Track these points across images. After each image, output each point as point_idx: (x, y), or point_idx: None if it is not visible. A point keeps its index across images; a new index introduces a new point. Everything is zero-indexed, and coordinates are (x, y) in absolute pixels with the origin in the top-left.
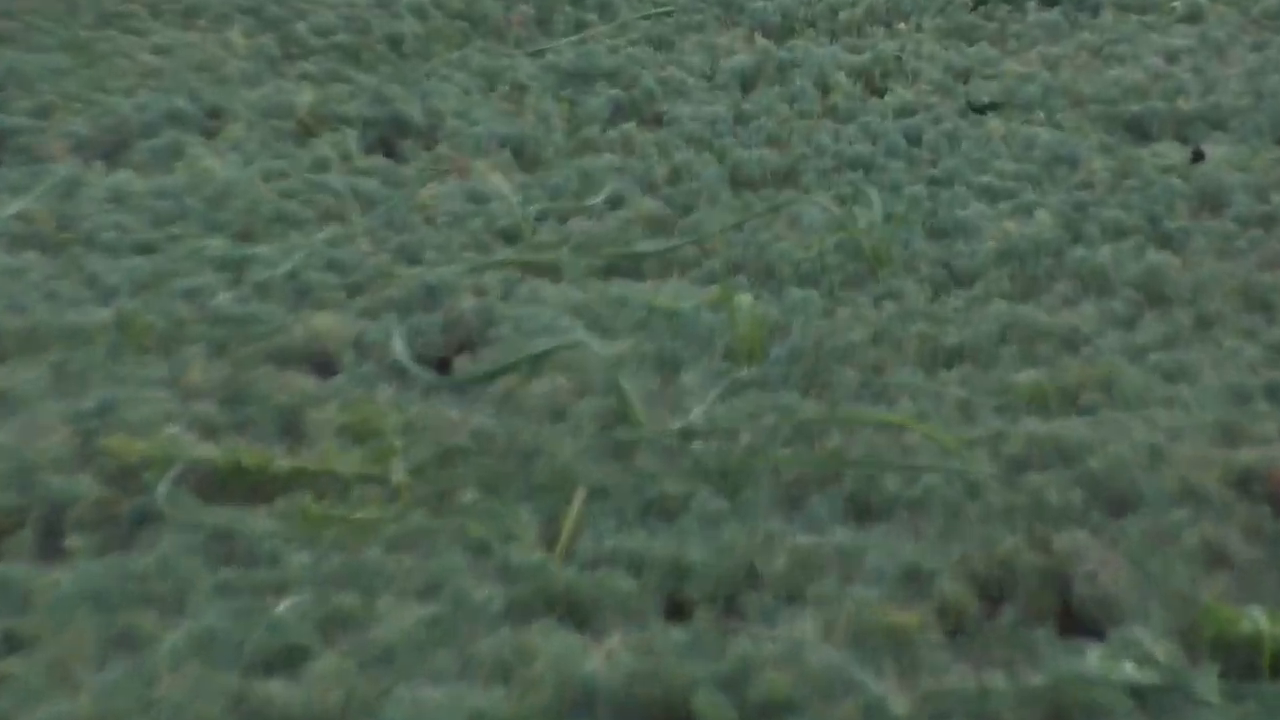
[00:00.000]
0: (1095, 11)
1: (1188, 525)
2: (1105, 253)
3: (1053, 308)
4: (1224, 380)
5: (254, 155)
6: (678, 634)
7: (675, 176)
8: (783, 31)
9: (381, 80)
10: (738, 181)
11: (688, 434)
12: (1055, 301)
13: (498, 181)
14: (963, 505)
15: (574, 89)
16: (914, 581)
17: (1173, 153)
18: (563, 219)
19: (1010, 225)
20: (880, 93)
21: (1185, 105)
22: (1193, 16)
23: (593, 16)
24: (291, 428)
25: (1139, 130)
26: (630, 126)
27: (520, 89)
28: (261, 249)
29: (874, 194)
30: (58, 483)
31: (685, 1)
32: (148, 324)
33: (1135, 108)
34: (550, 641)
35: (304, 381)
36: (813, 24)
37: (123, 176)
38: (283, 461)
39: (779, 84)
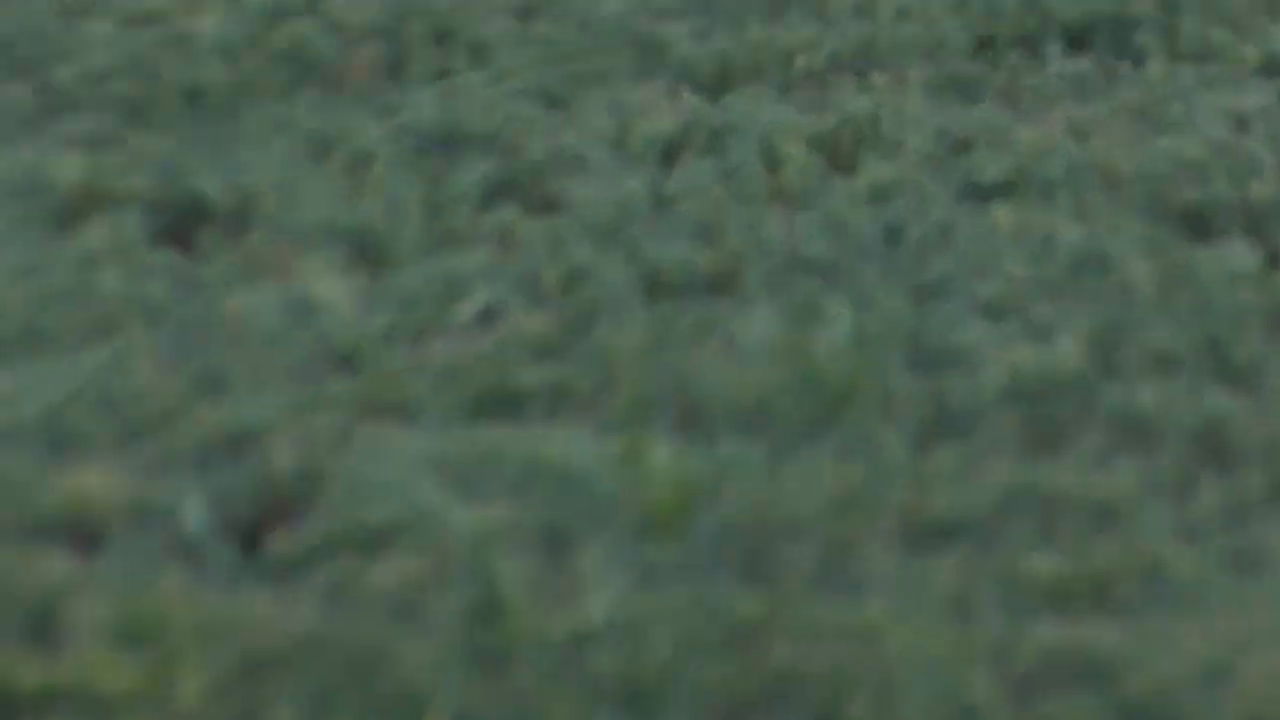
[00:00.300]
0: (1140, 60)
1: None
2: (1149, 392)
3: (1079, 467)
4: None
5: (4, 244)
6: None
7: (571, 281)
8: (718, 84)
9: (174, 145)
10: (654, 288)
11: (583, 638)
12: (1082, 458)
13: (330, 286)
14: None
15: (436, 159)
16: None
17: (1242, 254)
18: (417, 338)
19: (1023, 353)
20: (848, 168)
21: (1260, 189)
22: (1270, 68)
23: (461, 60)
24: (43, 625)
25: (1197, 223)
26: (511, 212)
27: (363, 158)
28: (5, 378)
29: (839, 307)
30: None
31: (585, 42)
32: None
33: (1192, 193)
34: None
35: (61, 561)
36: (759, 73)
37: None
38: (31, 673)
39: (712, 155)
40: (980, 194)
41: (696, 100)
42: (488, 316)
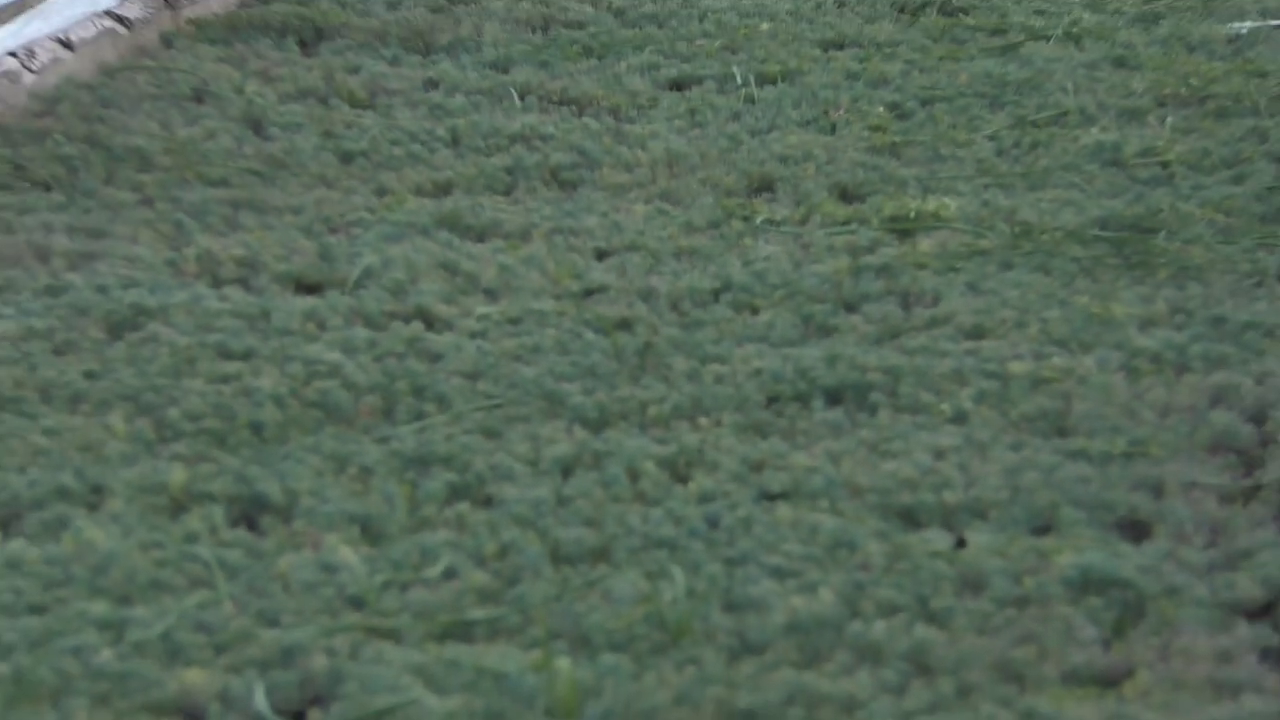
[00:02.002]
0: (873, 411)
1: None
2: (879, 627)
3: (833, 675)
4: None
5: (132, 527)
6: None
7: (502, 553)
8: (598, 424)
9: (244, 461)
10: (558, 558)
11: None
12: (835, 670)
13: (346, 554)
14: None
15: (415, 472)
16: None
17: (939, 540)
18: (403, 588)
19: (797, 601)
20: (684, 480)
21: (951, 498)
22: (959, 418)
23: (431, 407)
24: None
25: (910, 519)
26: (464, 507)
27: (367, 471)
28: (138, 611)
29: (677, 571)
30: None
31: (512, 396)
32: (39, 678)
33: (907, 499)
34: None
35: None
36: (625, 417)
37: (16, 545)
38: None
39: (595, 470)
40: (771, 497)
41: (585, 434)
42: (449, 574)
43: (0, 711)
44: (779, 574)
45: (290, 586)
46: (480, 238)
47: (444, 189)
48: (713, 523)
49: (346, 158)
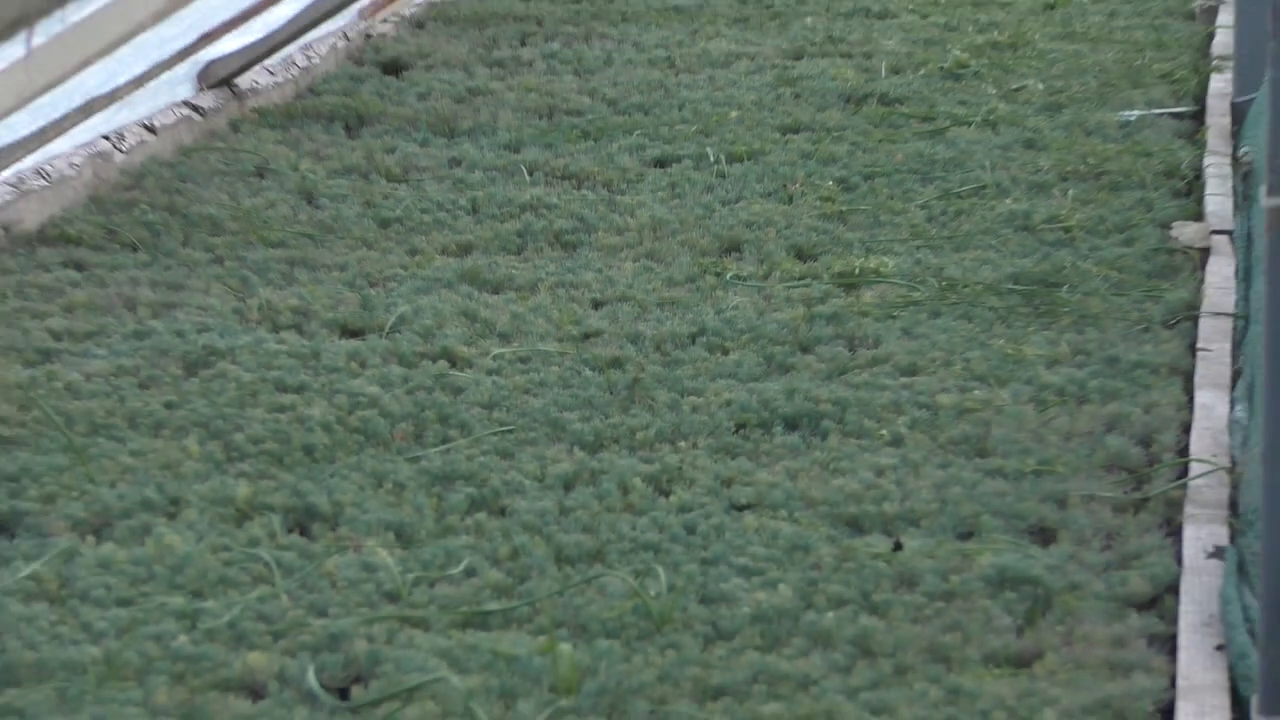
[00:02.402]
0: (824, 436)
1: None
2: (830, 617)
3: (791, 657)
4: (915, 716)
5: (204, 533)
6: None
7: (514, 554)
8: (594, 446)
9: (298, 478)
10: (560, 559)
11: None
12: (793, 653)
13: (383, 556)
14: None
15: (440, 487)
16: None
17: (880, 543)
18: (431, 584)
19: (760, 595)
20: (666, 494)
21: (889, 508)
22: (896, 442)
23: (455, 433)
24: None
25: (855, 526)
26: (482, 516)
27: (400, 486)
28: (209, 604)
29: (660, 571)
30: None
31: (522, 423)
32: (126, 660)
33: (853, 509)
34: None
35: (241, 704)
36: (617, 441)
37: (107, 548)
38: None
39: (591, 485)
40: (739, 508)
41: (583, 455)
42: (469, 572)
43: (94, 686)
44: (745, 572)
45: (336, 583)
46: (495, 290)
47: (465, 249)
48: (690, 529)
49: (384, 224)
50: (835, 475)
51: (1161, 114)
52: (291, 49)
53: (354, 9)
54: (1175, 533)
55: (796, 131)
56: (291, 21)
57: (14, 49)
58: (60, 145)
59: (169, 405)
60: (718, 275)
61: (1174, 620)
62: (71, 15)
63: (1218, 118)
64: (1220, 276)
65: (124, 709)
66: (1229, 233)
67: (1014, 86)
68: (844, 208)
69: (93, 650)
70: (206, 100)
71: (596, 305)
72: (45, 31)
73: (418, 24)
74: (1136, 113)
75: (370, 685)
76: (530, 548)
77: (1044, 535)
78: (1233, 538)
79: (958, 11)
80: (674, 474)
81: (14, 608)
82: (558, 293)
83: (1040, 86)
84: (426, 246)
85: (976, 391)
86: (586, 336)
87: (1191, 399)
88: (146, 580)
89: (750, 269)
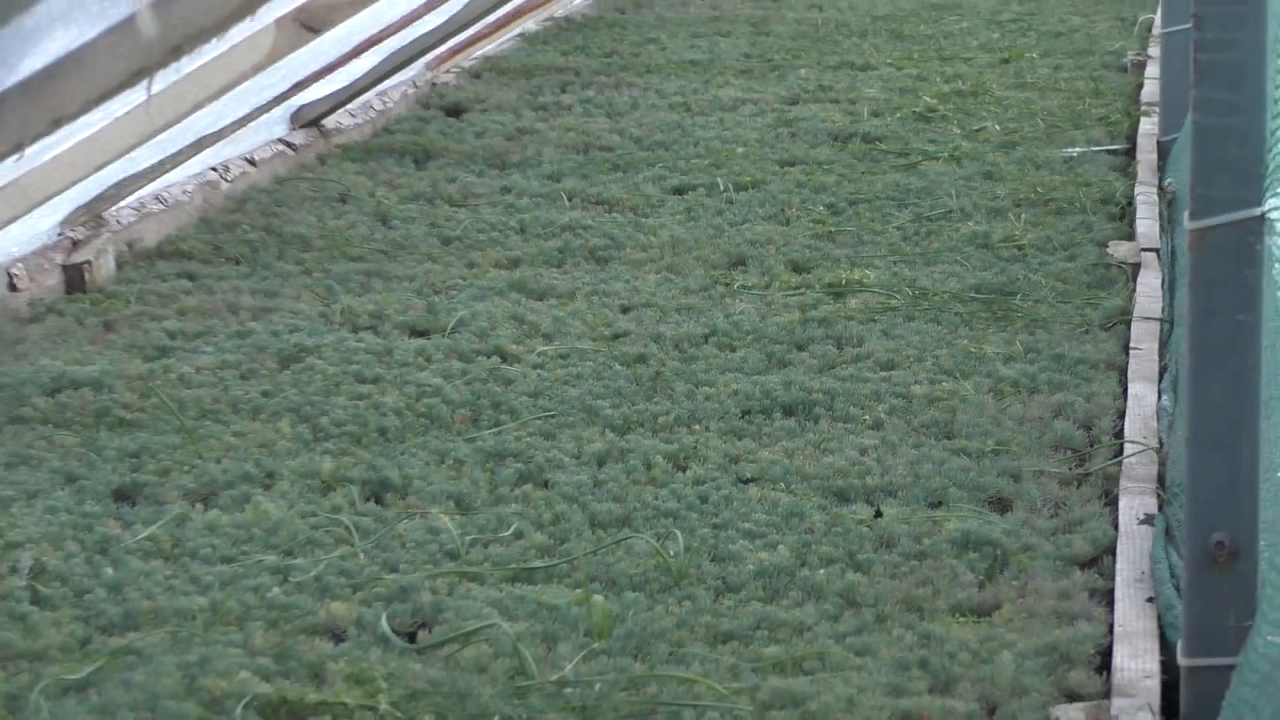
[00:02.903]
0: (816, 421)
1: None
2: (821, 573)
3: (788, 607)
4: (893, 656)
5: (294, 501)
6: None
7: (555, 520)
8: (623, 429)
9: (374, 455)
10: (594, 524)
11: (562, 683)
12: (790, 603)
13: (445, 521)
14: None
15: (493, 463)
16: None
17: (863, 511)
18: (485, 545)
19: (762, 555)
20: (683, 469)
21: (871, 481)
22: (876, 425)
23: (505, 417)
24: (318, 675)
25: (843, 496)
26: (528, 488)
27: (460, 462)
28: (299, 561)
29: (678, 534)
30: (173, 708)
31: (562, 409)
32: (229, 608)
33: (840, 483)
34: None
35: (325, 646)
36: (642, 425)
37: (213, 514)
38: (312, 696)
39: (620, 462)
40: (745, 481)
41: (613, 436)
42: (517, 535)
43: (201, 630)
44: (750, 535)
45: (405, 544)
46: (540, 297)
47: (514, 263)
48: (703, 499)
49: (446, 241)
50: (825, 454)
51: (1099, 151)
52: (369, 95)
53: (421, 62)
54: (1112, 503)
55: (793, 165)
56: (370, 72)
57: (136, 95)
58: (175, 175)
59: (265, 394)
60: (726, 285)
61: (1111, 577)
62: (185, 66)
63: (1146, 154)
64: (1149, 287)
65: (227, 650)
66: (1156, 250)
67: (975, 127)
68: (833, 229)
69: (200, 600)
70: (298, 138)
71: (625, 310)
72: (163, 80)
73: (475, 74)
74: (1078, 150)
75: (434, 630)
76: (569, 514)
77: (1001, 504)
78: (1161, 507)
79: (928, 65)
80: (690, 452)
81: (134, 564)
82: (592, 300)
83: (997, 127)
84: (482, 260)
85: (944, 383)
86: (616, 336)
87: (1125, 390)
88: (246, 541)
89: (754, 280)
